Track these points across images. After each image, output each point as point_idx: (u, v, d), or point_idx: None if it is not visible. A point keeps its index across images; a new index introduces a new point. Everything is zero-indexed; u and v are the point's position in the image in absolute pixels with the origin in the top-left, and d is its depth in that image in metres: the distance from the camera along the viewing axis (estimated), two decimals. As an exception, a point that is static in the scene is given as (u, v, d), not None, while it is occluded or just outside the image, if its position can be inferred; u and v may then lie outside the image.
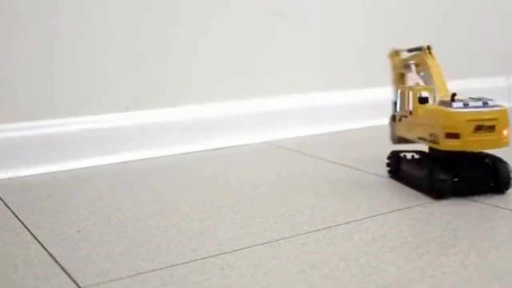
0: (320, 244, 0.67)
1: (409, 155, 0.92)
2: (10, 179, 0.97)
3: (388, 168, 0.94)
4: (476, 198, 0.82)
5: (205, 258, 0.64)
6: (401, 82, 0.98)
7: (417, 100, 0.87)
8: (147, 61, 1.13)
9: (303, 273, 0.60)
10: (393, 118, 0.97)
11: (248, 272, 0.60)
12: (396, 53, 1.02)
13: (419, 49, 0.95)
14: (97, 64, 1.07)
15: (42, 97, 1.03)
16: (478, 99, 0.82)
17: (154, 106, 1.14)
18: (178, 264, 0.62)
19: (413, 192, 0.86)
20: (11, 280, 0.59)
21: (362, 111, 1.32)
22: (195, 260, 0.63)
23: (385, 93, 1.42)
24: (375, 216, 0.76)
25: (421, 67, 0.94)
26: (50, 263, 0.63)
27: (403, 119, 0.91)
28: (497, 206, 0.78)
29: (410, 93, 0.89)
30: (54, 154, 1.03)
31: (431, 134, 0.83)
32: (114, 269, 0.61)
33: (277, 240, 0.68)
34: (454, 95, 0.82)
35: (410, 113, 0.89)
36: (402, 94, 0.92)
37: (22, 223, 0.76)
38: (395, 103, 0.97)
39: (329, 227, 0.72)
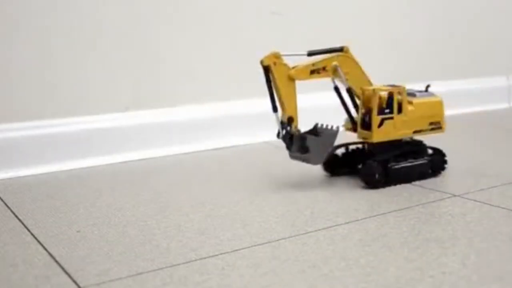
0: (320, 244, 0.67)
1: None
2: (10, 179, 0.97)
3: (376, 177, 0.87)
4: (476, 198, 0.82)
5: (205, 258, 0.64)
6: (291, 90, 0.85)
7: (406, 99, 0.89)
8: (147, 61, 1.13)
9: (303, 273, 0.60)
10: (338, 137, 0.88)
11: (248, 272, 0.60)
12: (278, 57, 0.85)
13: (337, 50, 0.89)
14: (97, 64, 1.07)
15: (42, 97, 1.03)
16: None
17: (154, 106, 1.14)
18: (178, 264, 0.62)
19: (413, 192, 0.86)
20: (11, 280, 0.59)
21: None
22: (195, 260, 0.63)
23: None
24: (375, 216, 0.76)
25: (344, 68, 0.89)
26: (50, 263, 0.63)
27: (387, 121, 0.88)
28: (497, 206, 0.79)
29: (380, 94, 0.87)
30: (54, 154, 1.03)
31: (431, 123, 0.92)
32: (114, 269, 0.61)
33: (277, 240, 0.68)
34: (429, 86, 0.94)
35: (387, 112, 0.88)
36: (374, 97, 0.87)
37: (22, 223, 0.76)
38: (291, 119, 0.86)
39: (329, 227, 0.72)
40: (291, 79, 0.86)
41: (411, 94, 0.92)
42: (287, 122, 0.86)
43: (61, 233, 0.72)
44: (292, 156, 0.88)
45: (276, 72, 0.85)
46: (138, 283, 0.58)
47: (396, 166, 0.89)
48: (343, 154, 0.96)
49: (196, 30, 1.17)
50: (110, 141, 1.08)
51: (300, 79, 0.86)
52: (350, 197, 0.84)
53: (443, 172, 0.95)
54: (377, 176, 0.87)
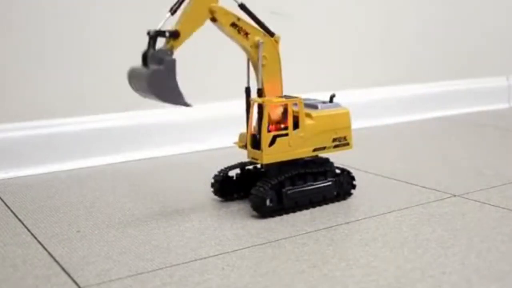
0: (320, 244, 0.67)
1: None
2: (10, 179, 0.97)
3: (269, 204, 0.75)
4: (476, 198, 0.82)
5: (205, 258, 0.64)
6: (199, 20, 0.74)
7: (304, 111, 0.77)
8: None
9: (303, 273, 0.60)
10: None
11: (248, 272, 0.60)
12: None
13: (268, 31, 0.78)
14: (97, 64, 1.07)
15: (42, 97, 1.03)
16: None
17: (154, 106, 1.14)
18: (178, 264, 0.62)
19: (413, 192, 0.86)
20: (11, 280, 0.60)
21: (360, 111, 1.32)
22: (195, 260, 0.63)
23: (385, 93, 1.42)
24: (375, 216, 0.76)
25: (264, 52, 0.77)
26: (50, 263, 0.63)
27: (281, 139, 0.76)
28: (497, 206, 0.79)
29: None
30: (54, 154, 1.03)
31: (334, 139, 0.80)
32: (114, 269, 0.61)
33: (277, 240, 0.68)
34: (333, 96, 0.82)
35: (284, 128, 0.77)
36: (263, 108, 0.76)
37: (22, 223, 0.76)
38: (176, 34, 0.73)
39: (329, 227, 0.72)
40: (210, 12, 0.74)
41: (312, 105, 0.80)
42: (169, 35, 0.73)
43: (61, 233, 0.72)
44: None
45: None
46: (138, 283, 0.58)
47: (292, 191, 0.77)
48: (238, 176, 0.83)
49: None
50: (110, 141, 1.08)
51: (218, 19, 0.75)
52: (350, 197, 0.83)
53: (443, 172, 0.95)
54: (268, 202, 0.75)
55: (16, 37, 1.00)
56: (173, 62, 0.72)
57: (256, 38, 0.76)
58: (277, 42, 0.78)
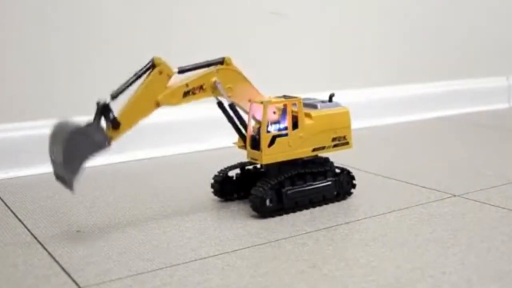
0: (320, 244, 0.67)
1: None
2: (10, 179, 0.97)
3: (269, 204, 0.75)
4: (476, 198, 0.82)
5: (205, 258, 0.64)
6: (146, 110, 0.72)
7: (303, 111, 0.77)
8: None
9: (303, 273, 0.60)
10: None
11: (248, 272, 0.60)
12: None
13: (216, 62, 0.75)
14: (97, 64, 1.07)
15: (42, 97, 1.03)
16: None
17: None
18: (178, 264, 0.62)
19: (413, 192, 0.86)
20: (11, 280, 0.60)
21: (360, 111, 1.32)
22: (195, 260, 0.63)
23: (385, 93, 1.42)
24: (375, 216, 0.76)
25: (226, 83, 0.76)
26: (50, 263, 0.63)
27: (280, 139, 0.75)
28: (497, 206, 0.79)
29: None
30: (54, 154, 1.03)
31: (334, 139, 0.80)
32: (114, 269, 0.61)
33: (277, 240, 0.68)
34: (333, 95, 0.82)
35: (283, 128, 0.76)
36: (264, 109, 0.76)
37: (22, 223, 0.76)
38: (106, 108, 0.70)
39: (329, 227, 0.72)
40: (156, 105, 0.72)
41: (312, 105, 0.80)
42: (109, 123, 0.71)
43: (61, 233, 0.72)
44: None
45: (153, 82, 0.73)
46: (138, 283, 0.58)
47: (292, 191, 0.77)
48: (237, 176, 0.83)
49: (196, 29, 1.17)
50: (110, 141, 1.08)
51: (170, 104, 0.72)
52: (350, 197, 0.83)
53: (443, 172, 0.95)
54: (268, 202, 0.75)
55: (16, 37, 1.00)
56: (103, 148, 0.71)
57: (211, 81, 0.75)
58: (229, 64, 0.76)
